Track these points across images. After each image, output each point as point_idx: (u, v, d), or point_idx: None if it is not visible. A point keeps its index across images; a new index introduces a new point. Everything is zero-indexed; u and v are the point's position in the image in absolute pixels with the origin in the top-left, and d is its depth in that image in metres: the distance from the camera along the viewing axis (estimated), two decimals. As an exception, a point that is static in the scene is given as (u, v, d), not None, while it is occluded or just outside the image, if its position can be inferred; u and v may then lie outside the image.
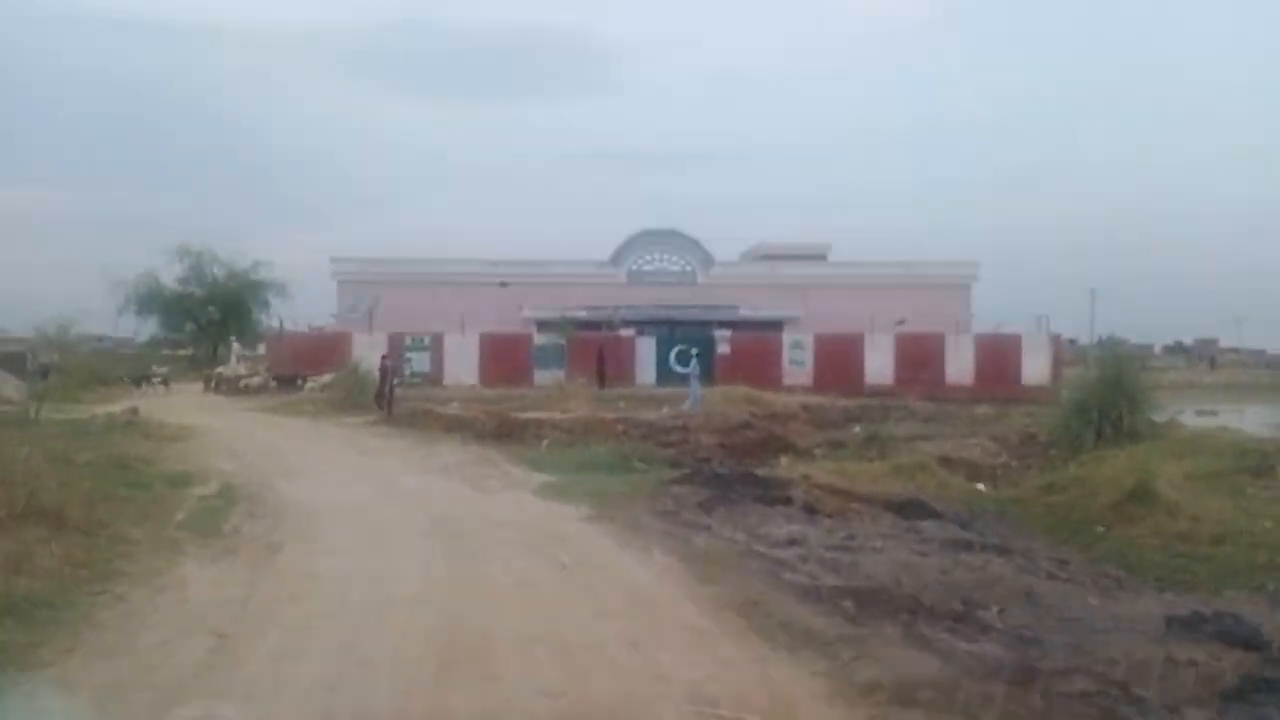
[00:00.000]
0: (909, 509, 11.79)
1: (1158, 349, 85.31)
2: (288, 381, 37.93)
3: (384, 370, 29.86)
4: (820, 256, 51.38)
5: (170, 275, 57.70)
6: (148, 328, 58.25)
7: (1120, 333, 53.52)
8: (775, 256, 50.62)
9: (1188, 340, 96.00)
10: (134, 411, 25.60)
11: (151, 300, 57.93)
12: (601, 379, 38.02)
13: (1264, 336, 77.47)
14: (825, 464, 16.42)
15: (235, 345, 45.46)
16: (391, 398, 29.41)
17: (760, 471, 14.73)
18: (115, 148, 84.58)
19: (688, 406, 31.61)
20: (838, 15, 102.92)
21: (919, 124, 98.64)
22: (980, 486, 15.03)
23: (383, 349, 39.06)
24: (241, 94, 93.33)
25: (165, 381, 37.88)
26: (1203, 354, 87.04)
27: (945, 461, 16.88)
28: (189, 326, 59.93)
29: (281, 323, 48.71)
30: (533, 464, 16.36)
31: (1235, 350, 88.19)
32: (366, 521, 10.87)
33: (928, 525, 10.40)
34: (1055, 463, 18.27)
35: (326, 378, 37.35)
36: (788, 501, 11.30)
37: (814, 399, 35.34)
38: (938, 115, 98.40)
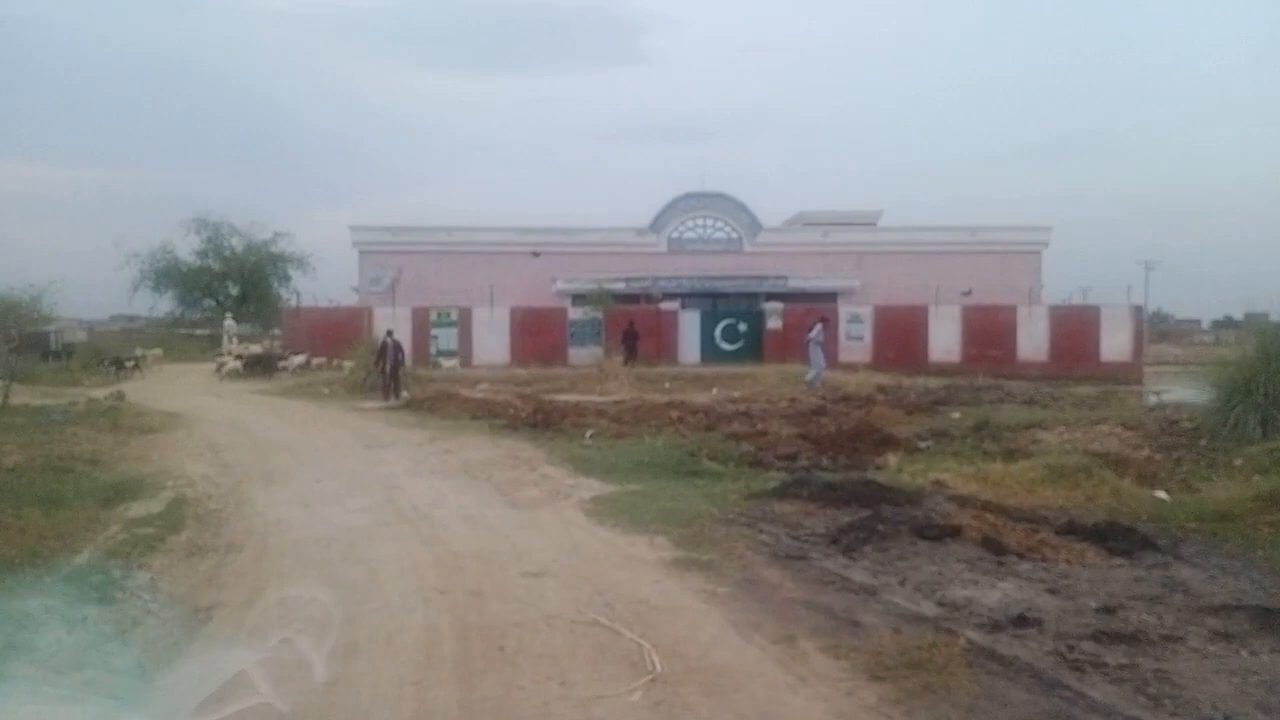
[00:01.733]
0: (1112, 537, 8.34)
1: (1205, 323, 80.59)
2: (260, 363, 34.72)
3: (385, 349, 26.67)
4: (869, 224, 47.38)
5: (187, 249, 54.84)
6: (164, 304, 55.42)
7: (1165, 307, 49.29)
8: (822, 223, 46.71)
9: (1237, 315, 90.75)
10: (119, 396, 22.57)
11: (167, 275, 55.07)
12: (631, 355, 34.72)
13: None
14: (946, 463, 12.94)
15: (229, 323, 42.40)
16: (397, 381, 26.28)
17: (877, 477, 11.28)
18: (134, 125, 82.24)
19: (811, 378, 28.40)
20: None
21: (955, 95, 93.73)
22: (1161, 494, 11.47)
23: (407, 325, 36.13)
24: (268, 71, 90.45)
25: (138, 365, 34.70)
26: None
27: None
28: (207, 303, 57.07)
29: (298, 297, 45.71)
30: (578, 464, 13.00)
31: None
32: (348, 569, 7.53)
33: (1184, 573, 6.93)
34: (1212, 456, 14.77)
35: (299, 359, 34.28)
36: (956, 533, 7.87)
37: (880, 377, 31.90)
38: (969, 85, 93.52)
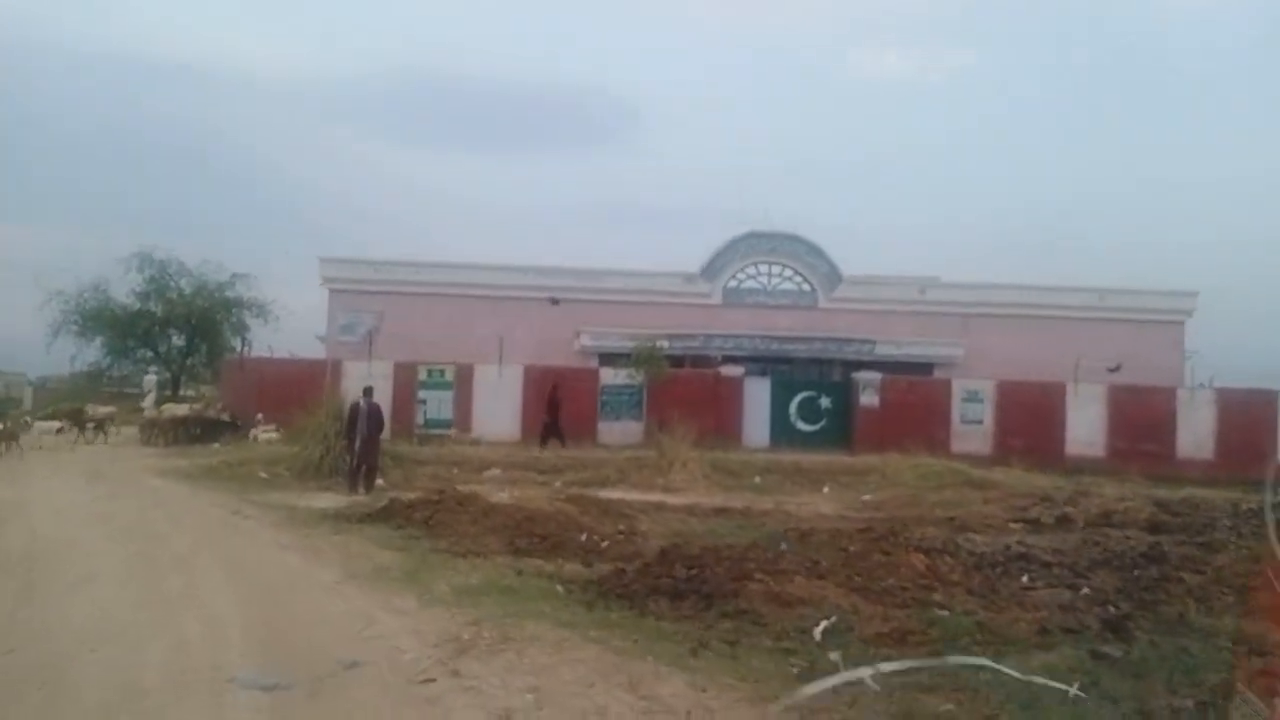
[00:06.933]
0: None
1: None
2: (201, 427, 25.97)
3: (356, 415, 17.66)
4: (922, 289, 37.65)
5: (125, 290, 44.89)
6: (89, 353, 45.50)
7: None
8: (879, 281, 37.21)
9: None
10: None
11: (97, 319, 45.02)
12: (551, 431, 26.15)
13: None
14: None
15: (149, 378, 33.28)
16: (372, 464, 17.31)
17: None
18: (105, 190, 73.59)
19: None
20: (844, 75, 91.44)
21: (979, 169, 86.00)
22: None
23: (387, 384, 26.82)
24: (248, 142, 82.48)
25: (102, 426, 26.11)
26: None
27: None
28: (143, 353, 47.12)
29: (246, 346, 36.29)
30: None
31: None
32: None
33: None
34: None
35: (271, 429, 25.14)
36: None
37: (1041, 478, 22.94)
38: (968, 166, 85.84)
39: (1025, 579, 9.63)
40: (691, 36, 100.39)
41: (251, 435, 25.85)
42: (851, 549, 10.17)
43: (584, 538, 10.45)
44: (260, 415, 26.78)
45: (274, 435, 25.01)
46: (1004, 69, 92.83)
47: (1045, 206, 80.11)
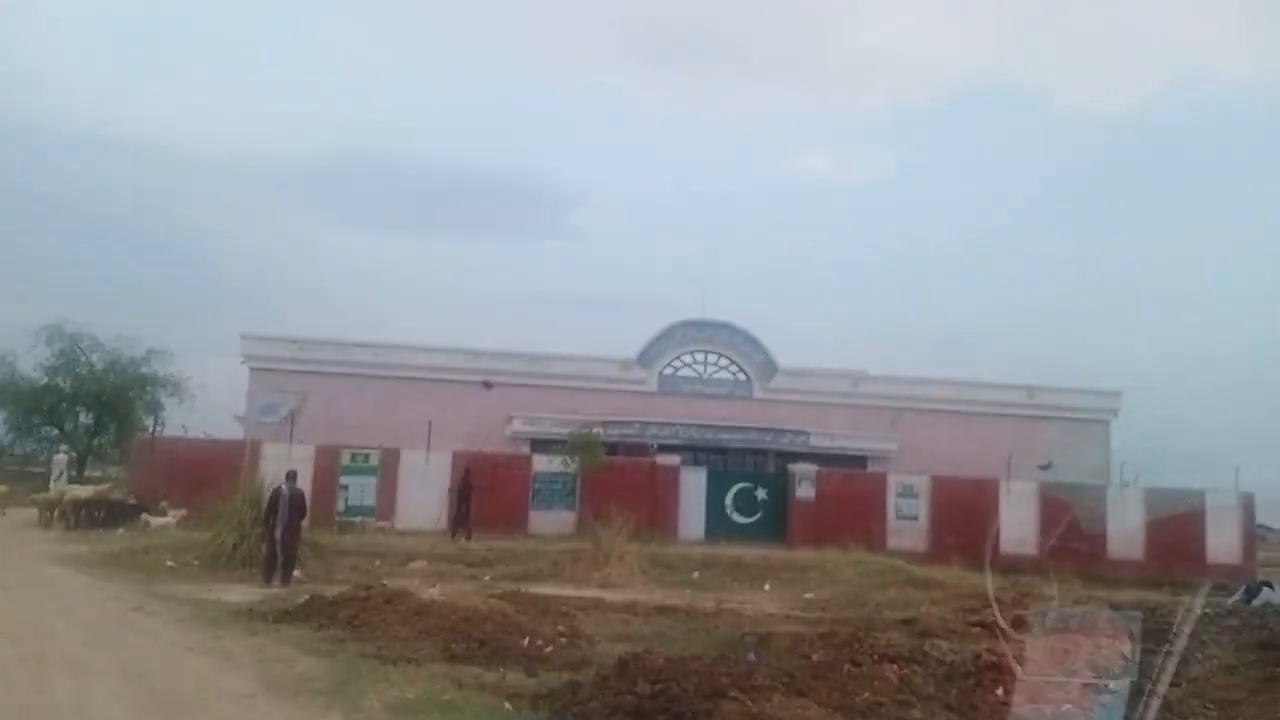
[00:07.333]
0: None
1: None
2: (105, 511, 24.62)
3: (277, 500, 16.66)
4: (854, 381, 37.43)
5: (33, 364, 42.76)
6: (-11, 430, 43.10)
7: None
8: (812, 374, 37.05)
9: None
10: None
11: (1, 394, 42.77)
12: (462, 521, 25.05)
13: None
14: None
15: (59, 456, 31.56)
16: (290, 553, 16.30)
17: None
18: (15, 260, 70.79)
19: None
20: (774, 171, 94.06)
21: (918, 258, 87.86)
22: None
23: (307, 468, 25.54)
24: (171, 217, 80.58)
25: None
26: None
27: None
28: (48, 430, 44.83)
29: (159, 425, 34.66)
30: None
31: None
32: None
33: None
34: None
35: (174, 514, 23.68)
36: None
37: (953, 571, 22.53)
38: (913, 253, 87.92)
39: (1000, 692, 9.06)
40: (630, 131, 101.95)
41: (143, 520, 24.15)
42: (814, 657, 9.51)
43: (525, 642, 9.59)
44: (164, 501, 25.26)
45: (170, 521, 23.55)
46: (927, 171, 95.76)
47: (968, 305, 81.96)
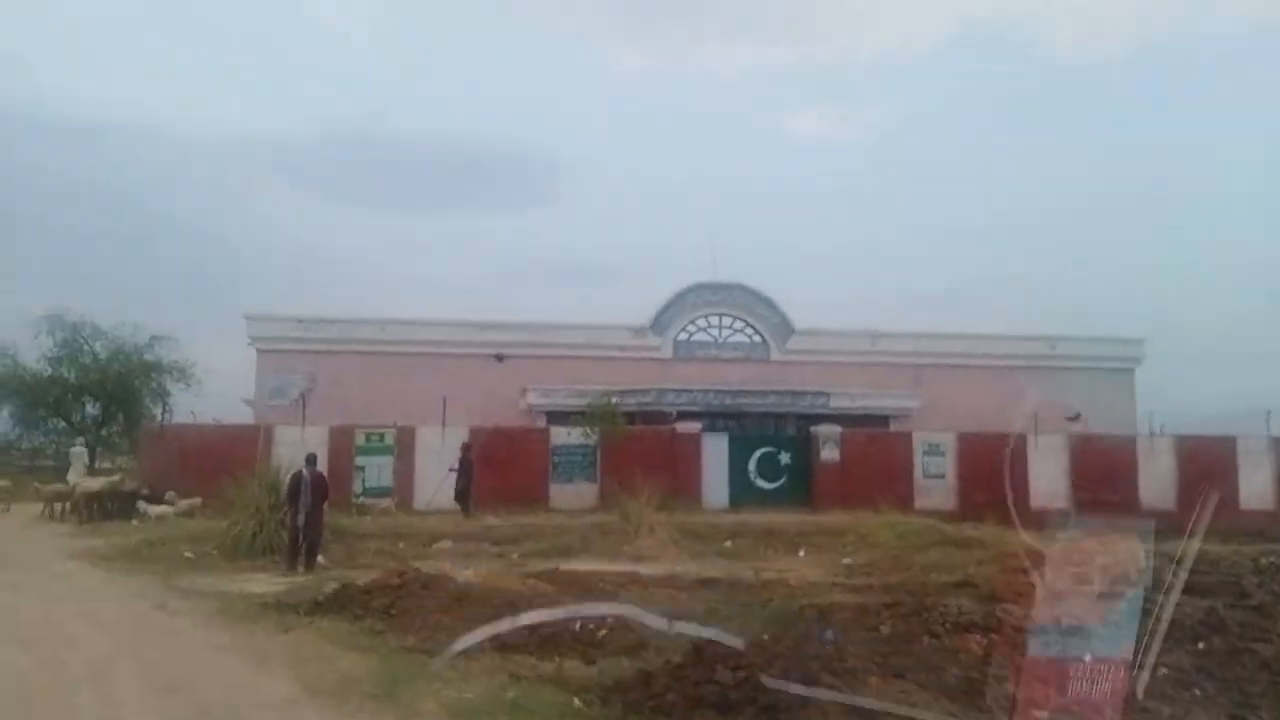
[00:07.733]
0: None
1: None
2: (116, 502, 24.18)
3: (299, 486, 16.04)
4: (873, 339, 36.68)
5: (36, 354, 42.05)
6: (-4, 423, 42.54)
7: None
8: (829, 333, 36.32)
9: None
10: None
11: (4, 387, 42.12)
12: (465, 495, 24.61)
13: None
14: None
15: (76, 449, 31.12)
16: (314, 539, 15.69)
17: None
18: (14, 249, 69.58)
19: None
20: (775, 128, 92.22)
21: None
22: None
23: (321, 451, 24.89)
24: (169, 200, 79.37)
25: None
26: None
27: None
28: (55, 423, 44.25)
29: (166, 412, 34.04)
30: None
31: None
32: None
33: None
34: None
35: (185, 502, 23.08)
36: None
37: (988, 528, 21.88)
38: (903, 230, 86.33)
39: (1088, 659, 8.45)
40: (620, 95, 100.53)
41: (141, 509, 23.58)
42: (884, 630, 8.92)
43: (577, 626, 9.00)
44: (171, 490, 24.66)
45: (169, 510, 23.01)
46: (928, 120, 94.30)
47: (976, 258, 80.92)
